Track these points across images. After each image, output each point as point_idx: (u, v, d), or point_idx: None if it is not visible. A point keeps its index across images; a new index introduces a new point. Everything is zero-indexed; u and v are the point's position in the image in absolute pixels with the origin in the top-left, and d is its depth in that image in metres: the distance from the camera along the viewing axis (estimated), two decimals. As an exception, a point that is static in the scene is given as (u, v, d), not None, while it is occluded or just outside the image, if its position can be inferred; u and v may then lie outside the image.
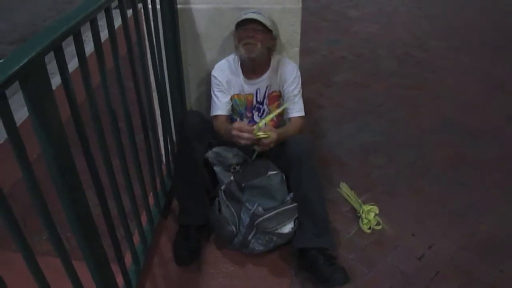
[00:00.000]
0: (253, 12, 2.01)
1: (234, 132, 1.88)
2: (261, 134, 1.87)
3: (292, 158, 1.95)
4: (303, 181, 1.94)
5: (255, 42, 1.97)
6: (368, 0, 5.54)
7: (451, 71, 3.79)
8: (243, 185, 1.96)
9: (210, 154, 2.04)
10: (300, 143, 1.99)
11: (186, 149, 2.01)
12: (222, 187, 2.00)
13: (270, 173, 1.98)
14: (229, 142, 2.03)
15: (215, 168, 2.04)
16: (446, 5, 5.41)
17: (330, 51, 4.18)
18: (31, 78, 0.96)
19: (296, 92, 2.10)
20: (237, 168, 2.04)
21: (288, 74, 2.10)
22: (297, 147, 1.97)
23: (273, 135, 1.89)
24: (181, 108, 2.29)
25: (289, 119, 2.12)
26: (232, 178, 2.00)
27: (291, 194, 1.97)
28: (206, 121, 2.09)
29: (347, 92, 3.46)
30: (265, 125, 1.93)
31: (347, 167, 2.62)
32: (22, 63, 0.91)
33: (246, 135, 1.87)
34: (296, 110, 2.11)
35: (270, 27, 2.00)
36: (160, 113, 2.10)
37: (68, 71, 1.14)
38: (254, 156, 2.03)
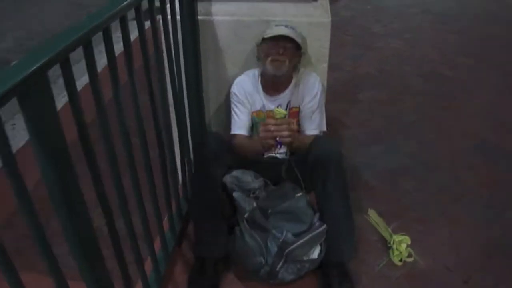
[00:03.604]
0: (285, 26, 1.89)
1: (262, 134, 1.83)
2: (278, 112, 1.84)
3: (319, 159, 1.83)
4: (327, 181, 1.84)
5: (284, 59, 1.87)
6: (392, 15, 5.39)
7: (481, 89, 3.61)
8: (269, 211, 1.82)
9: (228, 179, 1.90)
10: (327, 142, 1.92)
11: (205, 173, 1.88)
12: (245, 216, 1.84)
13: (297, 195, 1.85)
14: (248, 163, 1.94)
15: (234, 194, 1.88)
16: (471, 20, 5.22)
17: (354, 67, 4.04)
18: (32, 95, 0.84)
19: (315, 108, 2.00)
20: (257, 192, 1.91)
21: (309, 89, 2.00)
22: (324, 148, 1.87)
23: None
24: (200, 125, 2.16)
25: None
26: (254, 204, 1.85)
27: (317, 214, 1.85)
28: (226, 144, 1.97)
29: (373, 110, 3.31)
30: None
31: (375, 191, 2.46)
32: (20, 78, 0.78)
33: (272, 122, 1.82)
34: (312, 128, 2.01)
35: (301, 44, 1.89)
36: (178, 130, 1.97)
37: (75, 86, 1.02)
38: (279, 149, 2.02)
